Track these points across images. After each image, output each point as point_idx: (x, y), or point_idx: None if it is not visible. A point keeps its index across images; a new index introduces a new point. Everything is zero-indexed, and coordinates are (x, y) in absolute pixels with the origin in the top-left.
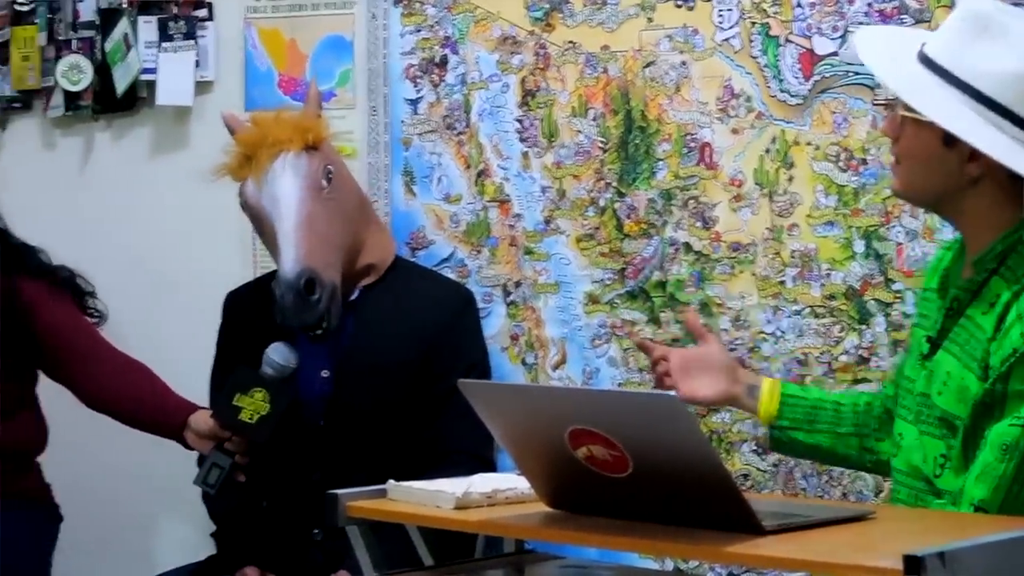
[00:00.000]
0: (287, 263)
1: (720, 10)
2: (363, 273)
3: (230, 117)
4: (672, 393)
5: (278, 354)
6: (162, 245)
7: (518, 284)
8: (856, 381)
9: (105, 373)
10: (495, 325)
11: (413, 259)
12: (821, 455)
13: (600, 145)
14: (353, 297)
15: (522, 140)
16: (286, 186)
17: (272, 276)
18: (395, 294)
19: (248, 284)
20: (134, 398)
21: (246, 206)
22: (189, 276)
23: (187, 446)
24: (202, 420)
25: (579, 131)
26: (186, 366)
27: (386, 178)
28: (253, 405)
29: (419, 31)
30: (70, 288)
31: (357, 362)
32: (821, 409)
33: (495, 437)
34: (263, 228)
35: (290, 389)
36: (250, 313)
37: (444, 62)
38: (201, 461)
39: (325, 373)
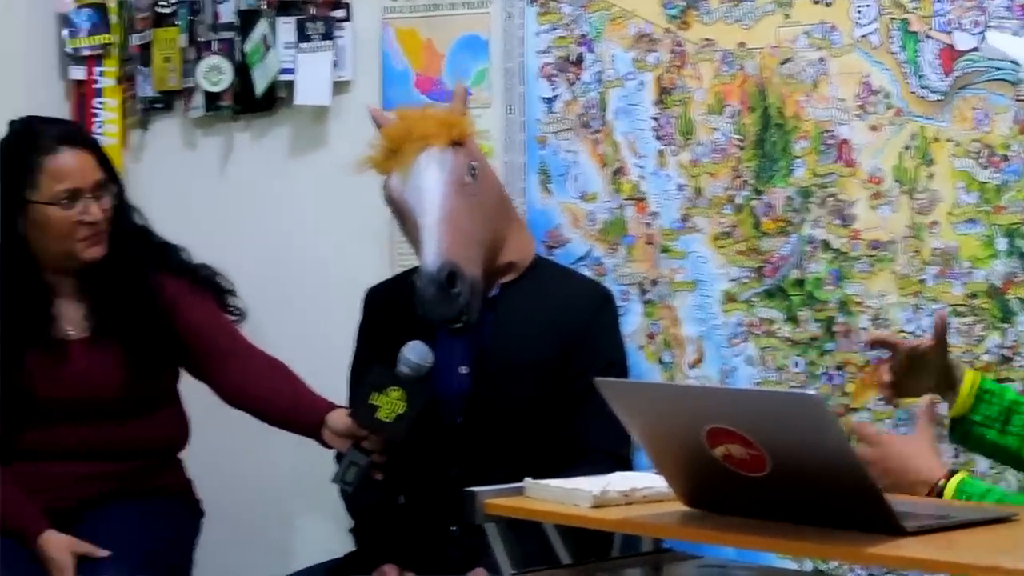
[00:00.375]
0: (429, 256)
1: (858, 6)
2: (503, 270)
3: (376, 112)
4: (812, 392)
5: (414, 353)
6: (301, 243)
7: (655, 282)
8: (998, 381)
9: (244, 371)
10: (632, 323)
11: (550, 257)
12: (1006, 457)
13: (737, 143)
14: (493, 294)
15: (658, 138)
16: (430, 180)
17: (412, 272)
18: (535, 292)
19: (388, 281)
20: (272, 396)
21: (390, 200)
22: (327, 273)
23: (325, 444)
24: (339, 419)
25: (715, 128)
26: (325, 363)
27: (522, 176)
28: (390, 404)
29: (555, 29)
30: (211, 286)
31: (496, 359)
32: (1016, 413)
33: (632, 435)
34: (406, 222)
35: (426, 388)
36: (390, 310)
37: (580, 60)
38: (339, 459)
39: (464, 370)
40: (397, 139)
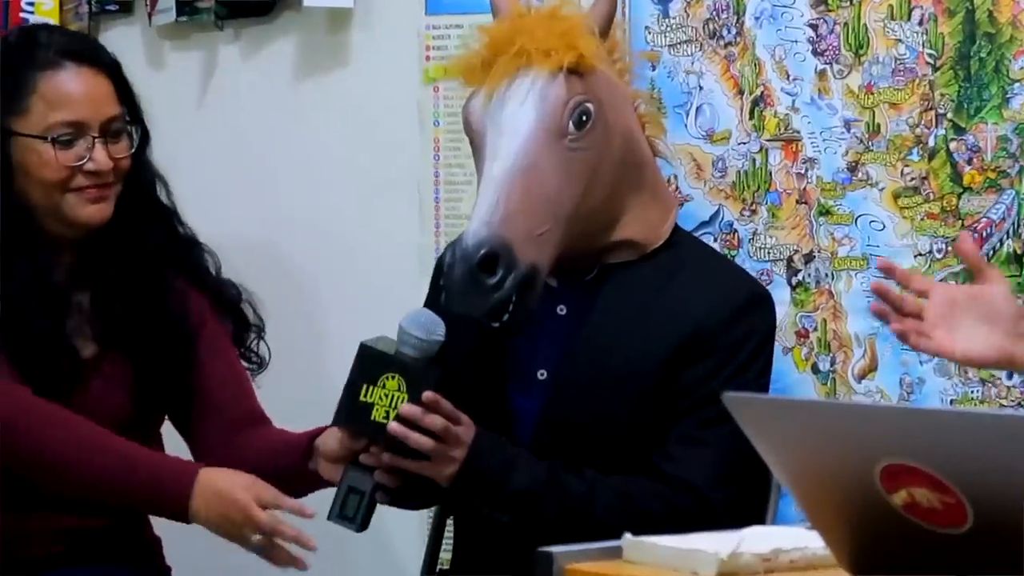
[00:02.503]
0: (474, 223)
1: None
2: (614, 249)
3: None
4: None
5: (416, 326)
6: (314, 201)
7: (809, 258)
8: None
9: (246, 446)
10: (775, 317)
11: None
12: None
13: (929, 60)
14: (590, 277)
15: (817, 54)
16: (515, 116)
17: None
18: (656, 281)
19: None
20: (252, 460)
21: (468, 126)
22: (351, 242)
23: (324, 482)
24: (330, 438)
25: (899, 40)
26: (343, 364)
27: None
28: (386, 399)
29: None
30: (233, 315)
31: (587, 364)
32: None
33: (773, 472)
34: (479, 162)
35: (433, 371)
36: None
37: None
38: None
39: (542, 374)
40: (496, 44)
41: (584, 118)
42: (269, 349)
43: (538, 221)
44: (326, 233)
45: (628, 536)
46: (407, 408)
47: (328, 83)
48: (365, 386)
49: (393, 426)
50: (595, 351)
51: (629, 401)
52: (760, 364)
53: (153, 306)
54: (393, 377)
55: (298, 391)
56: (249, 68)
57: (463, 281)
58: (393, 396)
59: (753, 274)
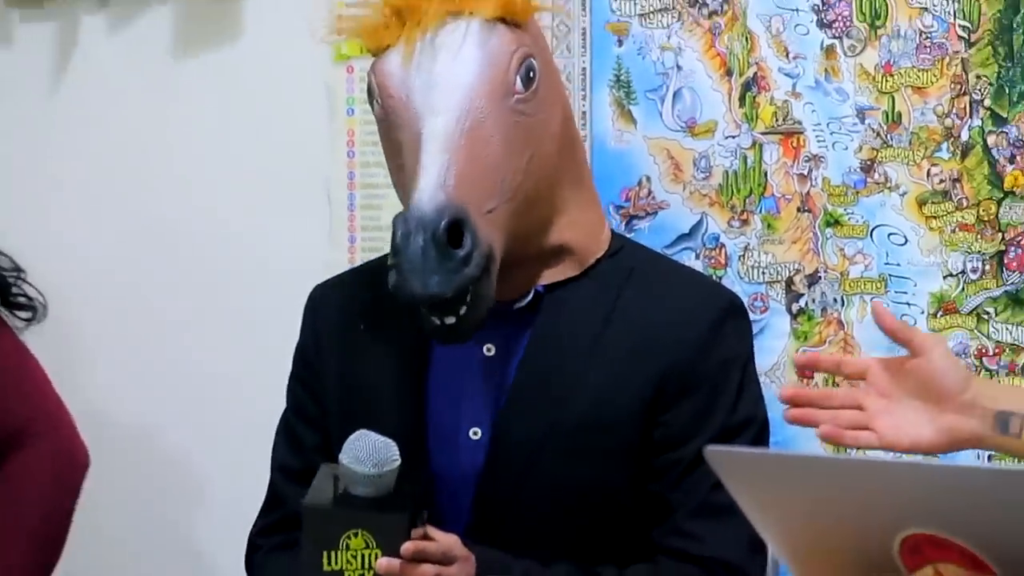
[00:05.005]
0: (426, 189)
1: None
2: (551, 258)
3: None
4: None
5: (364, 460)
6: (196, 206)
7: (814, 279)
8: None
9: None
10: (771, 351)
11: (628, 235)
12: None
13: (962, 34)
14: (526, 301)
15: (823, 26)
16: (457, 67)
17: (377, 265)
18: (606, 300)
19: (352, 273)
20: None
21: (381, 92)
22: (242, 259)
23: None
24: None
25: (924, 9)
26: (241, 406)
27: (583, 92)
28: (356, 560)
29: None
30: None
31: (536, 418)
32: None
33: (768, 541)
34: (399, 138)
35: (399, 513)
36: (352, 322)
37: None
38: None
39: (476, 433)
40: None
41: (531, 74)
42: (39, 291)
43: (487, 194)
44: (211, 247)
45: None
46: (385, 564)
47: (215, 60)
48: (326, 553)
49: None
50: (541, 401)
51: (595, 462)
52: (756, 387)
53: None
54: (356, 534)
55: None
56: (117, 42)
57: (424, 254)
58: (363, 555)
59: (745, 299)
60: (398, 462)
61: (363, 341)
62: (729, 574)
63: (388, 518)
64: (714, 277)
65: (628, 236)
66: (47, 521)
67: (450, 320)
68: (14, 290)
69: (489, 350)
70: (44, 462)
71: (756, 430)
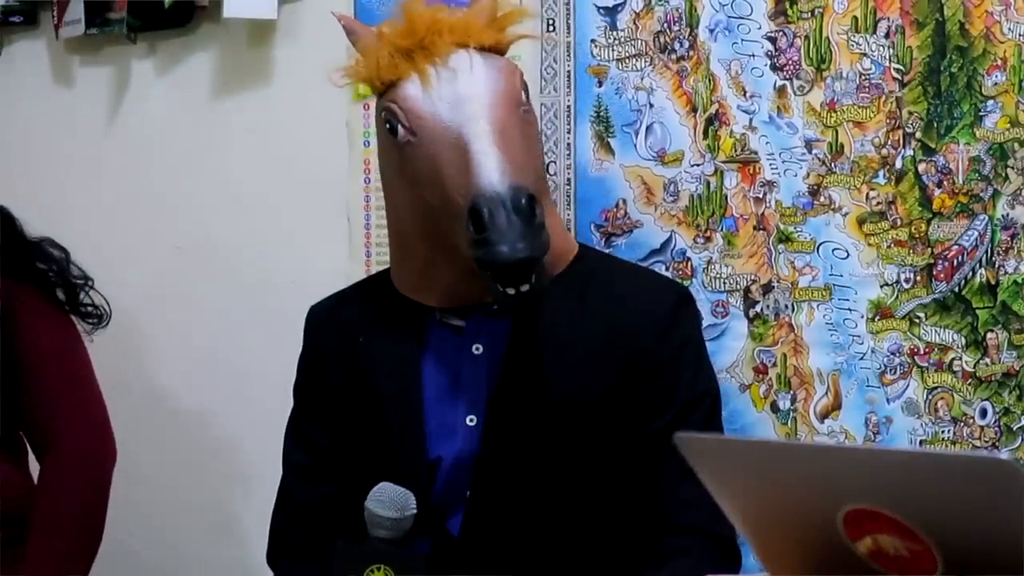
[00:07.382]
0: (494, 173)
1: None
2: None
3: (349, 22)
4: (1006, 456)
5: (387, 505)
6: (235, 227)
7: (768, 288)
8: None
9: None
10: (731, 350)
11: (607, 250)
12: None
13: (896, 76)
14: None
15: (775, 69)
16: (478, 83)
17: (378, 279)
18: (578, 298)
19: (344, 293)
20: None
21: (408, 117)
22: (274, 272)
23: None
24: None
25: (864, 54)
26: (279, 398)
27: (568, 126)
28: None
29: None
30: (60, 277)
31: (523, 402)
32: None
33: (730, 517)
34: (432, 151)
35: (419, 555)
36: (350, 336)
37: None
38: None
39: (472, 420)
40: (413, 34)
41: (527, 90)
42: (105, 298)
43: (530, 182)
44: (249, 261)
45: None
46: None
47: (249, 101)
48: None
49: None
50: (527, 389)
51: (579, 439)
52: (708, 364)
53: None
54: (379, 568)
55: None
56: (164, 84)
57: (510, 224)
58: None
59: (705, 308)
60: (415, 510)
61: (362, 351)
62: (708, 539)
63: (407, 555)
64: (672, 278)
65: (601, 250)
66: (87, 512)
67: (524, 287)
68: (83, 298)
69: (478, 349)
70: (79, 456)
71: (711, 401)
